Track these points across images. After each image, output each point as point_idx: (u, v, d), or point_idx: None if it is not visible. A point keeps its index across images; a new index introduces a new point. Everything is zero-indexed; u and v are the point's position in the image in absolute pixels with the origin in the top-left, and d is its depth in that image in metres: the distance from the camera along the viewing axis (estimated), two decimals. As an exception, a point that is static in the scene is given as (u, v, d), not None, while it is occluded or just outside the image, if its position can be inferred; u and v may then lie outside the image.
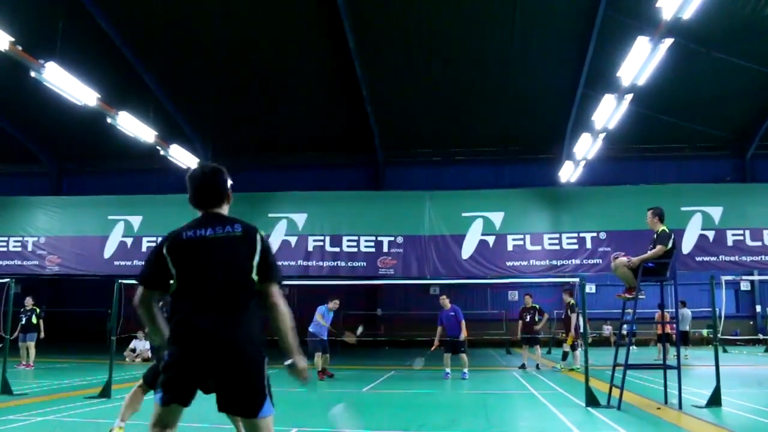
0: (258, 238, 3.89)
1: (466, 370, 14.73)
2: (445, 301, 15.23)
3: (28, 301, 17.38)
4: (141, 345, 20.21)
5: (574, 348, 17.63)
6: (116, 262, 20.38)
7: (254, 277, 3.67)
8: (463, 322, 15.03)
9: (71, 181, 32.47)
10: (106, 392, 10.43)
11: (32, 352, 16.82)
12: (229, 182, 4.17)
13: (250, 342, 3.55)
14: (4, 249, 21.16)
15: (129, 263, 20.30)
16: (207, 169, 4.17)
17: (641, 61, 15.12)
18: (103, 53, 22.81)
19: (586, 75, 23.56)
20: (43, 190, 29.49)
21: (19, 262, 20.86)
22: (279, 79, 25.12)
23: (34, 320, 17.00)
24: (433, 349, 15.18)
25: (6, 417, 8.32)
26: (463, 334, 14.99)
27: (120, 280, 11.38)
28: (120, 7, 21.67)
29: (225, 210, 4.12)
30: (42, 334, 17.32)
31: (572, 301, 17.61)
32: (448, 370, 14.82)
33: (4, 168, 31.94)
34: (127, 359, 19.71)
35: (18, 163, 32.06)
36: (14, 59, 14.33)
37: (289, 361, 3.65)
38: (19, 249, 21.05)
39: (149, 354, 20.03)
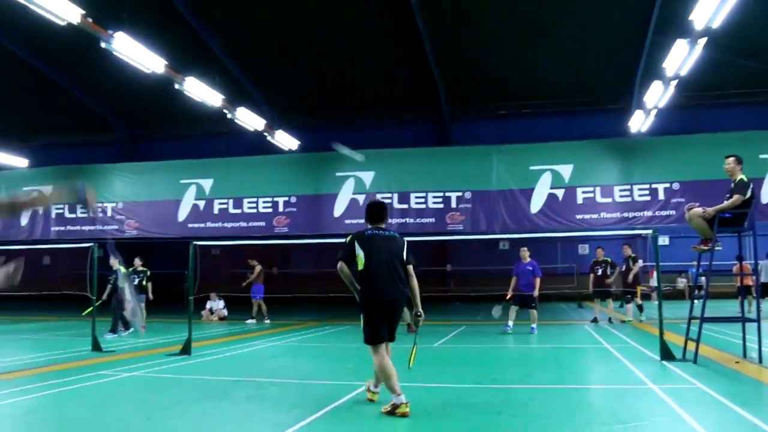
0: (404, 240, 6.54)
1: (534, 325, 14.61)
2: (525, 254, 15.08)
3: (137, 263, 16.63)
4: (216, 305, 20.83)
5: (628, 301, 17.45)
6: (190, 225, 21.00)
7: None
8: (539, 279, 14.79)
9: (143, 147, 33.36)
10: (186, 350, 10.84)
11: (143, 313, 15.98)
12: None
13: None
14: (86, 215, 22.07)
15: (202, 225, 20.88)
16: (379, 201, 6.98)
17: (716, 1, 14.42)
18: (169, 20, 23.16)
19: (656, 20, 22.65)
20: (117, 157, 30.38)
21: (101, 227, 21.74)
22: (341, 38, 25.05)
23: (144, 282, 16.38)
24: (507, 298, 15.08)
25: (97, 372, 8.78)
26: (536, 290, 14.76)
27: (195, 242, 11.73)
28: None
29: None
30: (150, 296, 16.63)
31: (632, 254, 17.41)
32: (510, 323, 14.63)
33: (81, 138, 33.02)
34: (203, 318, 20.37)
35: (93, 132, 33.08)
36: (85, 31, 14.68)
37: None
38: (100, 215, 21.93)
39: (224, 313, 20.66)
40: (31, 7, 12.33)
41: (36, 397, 7.04)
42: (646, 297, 19.02)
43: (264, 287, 19.60)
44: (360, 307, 6.32)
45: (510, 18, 23.64)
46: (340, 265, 6.17)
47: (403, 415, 5.89)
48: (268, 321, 19.17)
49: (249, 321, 19.37)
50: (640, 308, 17.36)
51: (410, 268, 6.37)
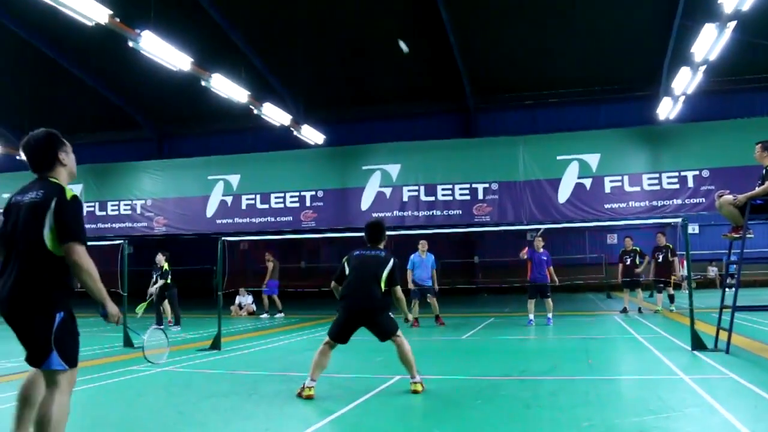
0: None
1: (550, 315, 14.48)
2: (539, 243, 14.89)
3: (160, 259, 16.42)
4: (245, 300, 21.02)
5: (660, 290, 17.27)
6: (218, 221, 21.16)
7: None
8: (551, 268, 14.67)
9: (171, 144, 33.70)
10: (216, 344, 10.96)
11: (167, 308, 16.18)
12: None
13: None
14: (116, 212, 22.38)
15: (230, 221, 21.03)
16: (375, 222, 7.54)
17: (746, -16, 14.14)
18: (194, 18, 23.34)
19: (684, 4, 22.30)
20: (146, 154, 30.71)
21: (130, 224, 22.02)
22: (365, 31, 25.05)
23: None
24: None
25: (129, 368, 8.93)
26: (551, 278, 14.62)
27: (223, 238, 11.83)
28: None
29: None
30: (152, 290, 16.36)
31: (669, 244, 17.23)
32: (531, 316, 14.50)
33: (110, 136, 33.45)
34: (233, 313, 20.56)
35: (122, 130, 33.49)
36: (113, 31, 14.84)
37: None
38: (129, 212, 22.21)
39: (253, 308, 20.82)
40: (61, 8, 12.48)
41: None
42: (676, 286, 18.78)
43: (279, 282, 19.77)
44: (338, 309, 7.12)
45: (535, 7, 23.45)
46: (333, 284, 7.16)
47: (308, 398, 6.45)
48: (280, 315, 19.31)
49: (264, 316, 19.54)
50: (671, 298, 17.16)
51: (396, 289, 7.08)
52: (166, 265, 16.15)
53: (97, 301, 4.04)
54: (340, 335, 6.96)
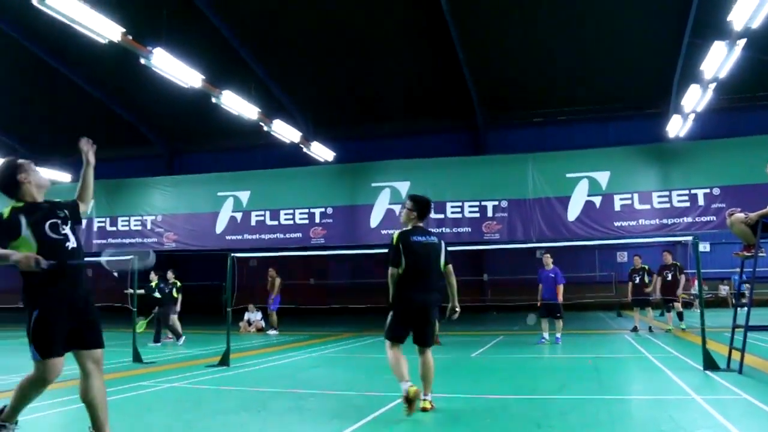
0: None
1: (559, 334, 14.31)
2: (548, 260, 14.80)
3: (170, 275, 17.21)
4: (254, 316, 21.01)
5: (668, 309, 17.15)
6: (228, 237, 21.21)
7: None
8: (561, 286, 14.48)
9: (182, 161, 33.86)
10: (225, 361, 10.94)
11: (177, 324, 16.60)
12: None
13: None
14: (126, 228, 22.48)
15: (239, 237, 21.08)
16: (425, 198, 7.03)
17: (755, 1, 14.13)
18: (205, 35, 23.54)
19: (693, 22, 22.32)
20: (157, 170, 30.86)
21: (141, 240, 22.09)
22: (374, 48, 25.18)
23: (174, 293, 16.87)
24: (539, 306, 14.89)
25: (138, 383, 8.91)
26: (559, 298, 14.40)
27: (233, 254, 11.84)
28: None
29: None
30: (178, 307, 17.02)
31: (677, 263, 17.10)
32: (545, 335, 14.39)
33: (122, 152, 33.62)
34: (241, 329, 20.54)
35: (133, 146, 33.69)
36: (125, 48, 14.99)
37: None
38: (140, 227, 22.32)
39: (262, 324, 20.81)
40: (76, 26, 12.62)
41: (80, 407, 7.13)
42: (687, 305, 18.64)
43: (280, 298, 19.83)
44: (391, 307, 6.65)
45: (544, 24, 23.51)
46: (392, 271, 6.54)
47: (415, 395, 6.14)
48: (273, 332, 19.39)
49: (271, 332, 19.56)
50: (680, 315, 17.03)
51: (449, 268, 6.77)
52: (178, 282, 16.57)
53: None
54: (402, 333, 6.54)
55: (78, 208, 5.05)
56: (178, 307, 17.03)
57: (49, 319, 4.49)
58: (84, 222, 20.11)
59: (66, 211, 4.86)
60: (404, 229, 6.77)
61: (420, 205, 6.87)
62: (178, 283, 17.21)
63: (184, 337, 16.29)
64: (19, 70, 27.59)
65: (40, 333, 4.47)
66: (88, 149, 5.23)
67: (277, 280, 19.70)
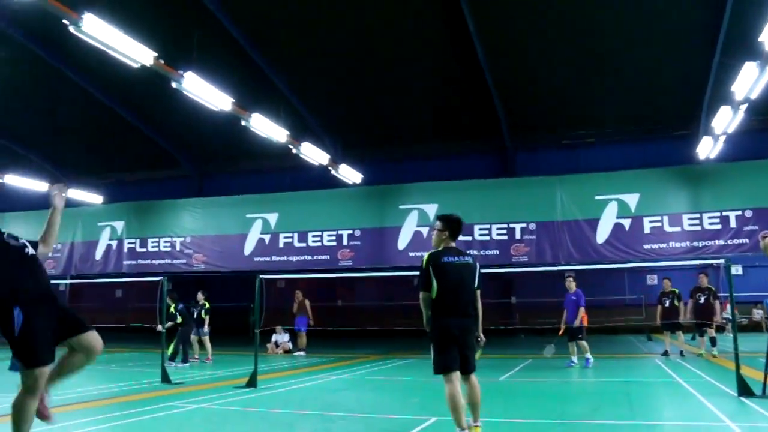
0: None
1: (588, 356, 14.13)
2: (571, 284, 14.65)
3: (200, 297, 17.67)
4: (281, 338, 21.04)
5: (701, 333, 16.84)
6: (256, 258, 21.34)
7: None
8: (582, 309, 14.26)
9: (211, 183, 34.17)
10: (252, 382, 10.96)
11: (208, 345, 17.18)
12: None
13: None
14: (156, 249, 22.74)
15: (268, 259, 21.19)
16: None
17: (787, 23, 13.98)
18: (235, 59, 23.84)
19: (723, 42, 22.12)
20: (186, 192, 31.18)
21: (170, 261, 22.33)
22: (401, 71, 25.28)
23: (203, 315, 17.27)
24: (560, 334, 14.75)
25: (167, 404, 8.96)
26: (578, 321, 14.19)
27: (261, 276, 11.90)
28: (247, 14, 22.58)
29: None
30: (206, 328, 17.36)
31: (711, 287, 16.80)
32: (573, 358, 14.25)
33: (152, 174, 34.07)
34: (269, 351, 20.56)
35: (163, 168, 34.10)
36: (157, 72, 15.24)
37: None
38: (169, 249, 22.57)
39: (290, 346, 20.83)
40: (110, 51, 12.88)
41: (109, 426, 7.21)
42: (719, 329, 18.29)
43: (307, 319, 19.83)
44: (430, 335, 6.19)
45: (572, 46, 23.45)
46: (425, 295, 6.12)
47: None
48: (301, 353, 19.41)
49: (299, 353, 19.57)
50: (712, 341, 16.71)
51: (478, 292, 6.41)
52: (207, 304, 16.74)
53: None
54: (451, 361, 5.94)
55: (37, 247, 5.17)
56: (206, 328, 17.24)
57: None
58: (114, 243, 20.58)
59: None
60: (435, 249, 6.37)
61: (451, 224, 6.50)
62: (207, 305, 17.40)
63: (211, 359, 16.45)
64: (52, 93, 28.16)
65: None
66: (56, 193, 5.41)
67: (306, 302, 19.73)
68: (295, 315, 19.91)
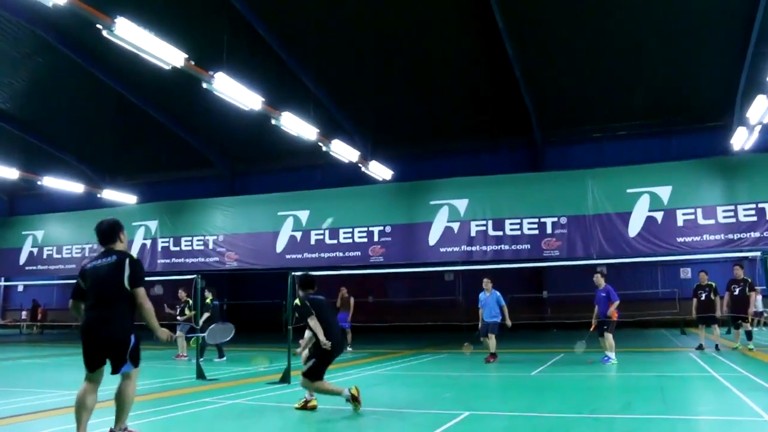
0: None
1: (611, 354, 13.72)
2: (600, 280, 14.41)
3: (182, 294, 17.79)
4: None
5: (737, 326, 16.55)
6: (287, 256, 21.51)
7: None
8: (615, 303, 13.96)
9: (242, 181, 34.51)
10: (285, 378, 11.07)
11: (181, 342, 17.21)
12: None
13: None
14: (189, 248, 23.04)
15: (299, 256, 21.35)
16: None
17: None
18: (264, 59, 24.03)
19: (759, 31, 21.71)
20: (218, 191, 31.54)
21: (203, 259, 22.61)
22: (431, 68, 25.29)
23: (187, 311, 17.28)
24: (591, 329, 14.60)
25: (202, 399, 9.12)
26: (610, 311, 13.89)
27: (293, 273, 12.03)
28: (276, 15, 22.77)
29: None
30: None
31: (748, 278, 16.47)
32: (608, 354, 14.04)
33: (183, 174, 34.52)
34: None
35: (196, 168, 34.53)
36: (188, 74, 15.43)
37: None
38: (202, 247, 22.86)
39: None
40: (142, 54, 13.08)
41: (146, 422, 7.36)
42: (757, 321, 17.98)
43: (348, 315, 19.68)
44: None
45: (602, 37, 23.23)
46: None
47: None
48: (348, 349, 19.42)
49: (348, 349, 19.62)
50: (748, 335, 16.44)
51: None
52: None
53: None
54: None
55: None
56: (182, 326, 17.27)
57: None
58: (149, 242, 20.90)
59: None
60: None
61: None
62: (190, 301, 17.20)
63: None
64: (87, 96, 28.66)
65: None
66: (164, 337, 6.28)
67: (351, 299, 19.55)
68: (338, 310, 19.84)
